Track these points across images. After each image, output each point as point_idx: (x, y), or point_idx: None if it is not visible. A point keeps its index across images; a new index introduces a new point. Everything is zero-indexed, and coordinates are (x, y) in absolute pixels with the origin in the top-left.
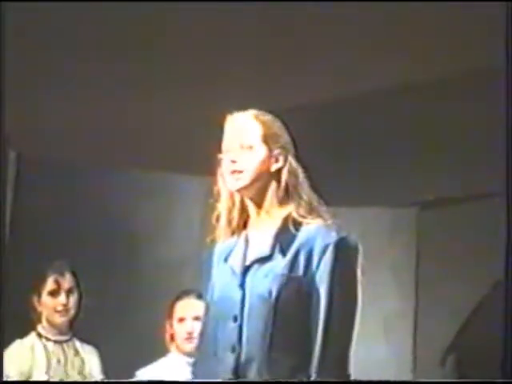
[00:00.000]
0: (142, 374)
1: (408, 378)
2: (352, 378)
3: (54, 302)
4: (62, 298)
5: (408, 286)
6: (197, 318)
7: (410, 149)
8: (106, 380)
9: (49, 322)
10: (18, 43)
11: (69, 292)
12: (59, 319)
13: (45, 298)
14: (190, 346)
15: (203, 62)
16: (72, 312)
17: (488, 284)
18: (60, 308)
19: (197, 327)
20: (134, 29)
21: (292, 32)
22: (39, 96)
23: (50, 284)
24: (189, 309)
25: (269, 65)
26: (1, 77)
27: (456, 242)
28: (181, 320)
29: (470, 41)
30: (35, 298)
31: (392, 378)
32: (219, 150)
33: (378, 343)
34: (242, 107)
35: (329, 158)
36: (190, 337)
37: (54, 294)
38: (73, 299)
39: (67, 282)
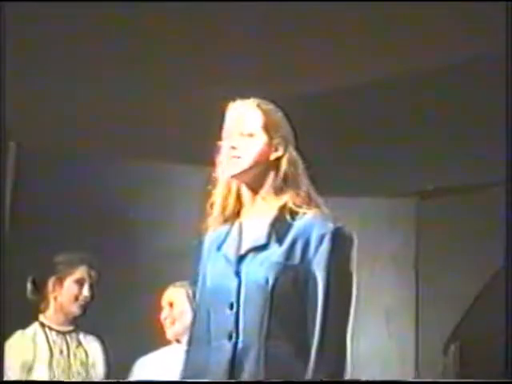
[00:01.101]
0: (142, 362)
1: (410, 368)
2: (354, 369)
3: (78, 290)
4: (86, 289)
5: (408, 276)
6: (170, 304)
7: (409, 139)
8: (106, 380)
9: (61, 309)
10: (18, 36)
11: (92, 286)
12: (76, 309)
13: (70, 284)
14: (168, 332)
15: (202, 53)
16: (87, 306)
17: (488, 273)
18: (82, 298)
19: (168, 313)
20: (134, 19)
21: (291, 22)
22: (39, 87)
23: (81, 273)
24: (166, 295)
25: (268, 55)
26: (1, 68)
27: (456, 232)
28: (161, 307)
29: (471, 30)
30: (53, 282)
31: (394, 369)
32: (219, 140)
33: (380, 334)
34: (241, 97)
35: (328, 148)
36: (163, 322)
37: (80, 283)
38: (92, 294)
39: (94, 276)
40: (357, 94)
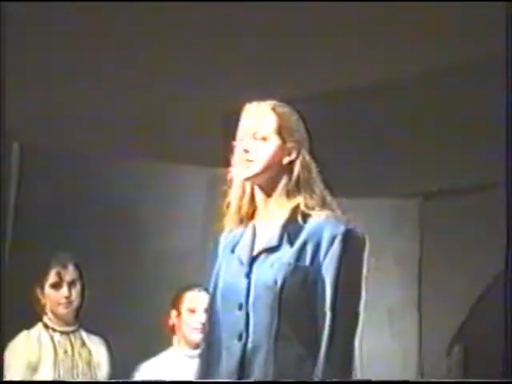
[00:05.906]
0: (147, 366)
1: (413, 368)
2: (357, 369)
3: (56, 294)
4: (64, 290)
5: (411, 277)
6: (207, 310)
7: (412, 140)
8: (110, 379)
9: (53, 313)
10: (19, 36)
11: (71, 284)
12: (63, 311)
13: (47, 290)
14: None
15: (204, 53)
16: (75, 304)
17: (490, 273)
18: (63, 300)
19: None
20: (136, 19)
21: (293, 23)
22: (41, 87)
23: (52, 277)
24: (199, 300)
25: (270, 57)
26: (2, 68)
27: (459, 233)
28: (192, 311)
29: (471, 32)
30: (38, 290)
31: (397, 369)
32: (221, 142)
33: (383, 334)
34: (242, 98)
35: (331, 148)
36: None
37: (56, 286)
38: (75, 291)
39: (69, 274)
40: (359, 94)
